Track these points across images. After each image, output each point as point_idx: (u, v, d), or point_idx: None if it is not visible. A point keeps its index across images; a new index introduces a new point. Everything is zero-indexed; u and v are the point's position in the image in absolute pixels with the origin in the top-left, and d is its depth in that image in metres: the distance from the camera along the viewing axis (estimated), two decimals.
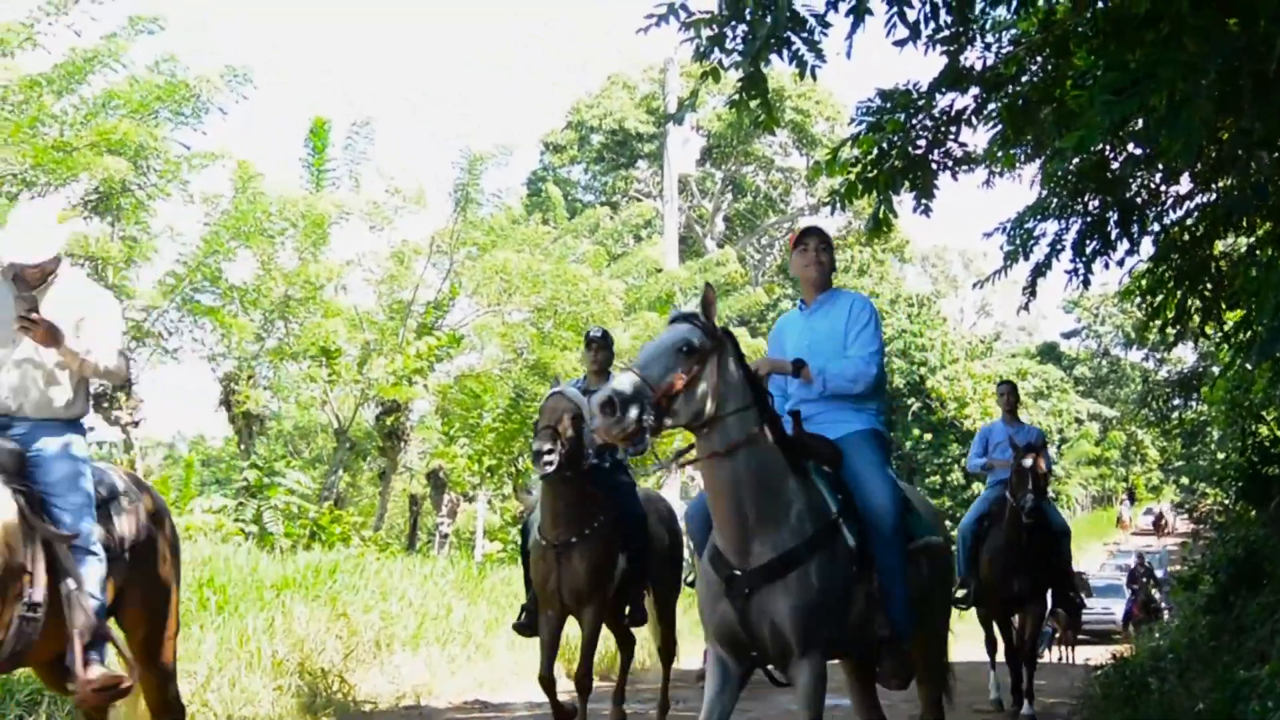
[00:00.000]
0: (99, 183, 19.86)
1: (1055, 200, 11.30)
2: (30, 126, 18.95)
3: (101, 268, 20.92)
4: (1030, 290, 11.74)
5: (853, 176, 10.93)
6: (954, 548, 13.27)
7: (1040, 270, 11.28)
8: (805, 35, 8.73)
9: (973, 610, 14.65)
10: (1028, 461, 13.20)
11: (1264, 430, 16.50)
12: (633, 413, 6.45)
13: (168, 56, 21.14)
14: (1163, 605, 32.69)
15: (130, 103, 20.26)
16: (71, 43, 19.98)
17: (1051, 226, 11.36)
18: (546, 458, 10.55)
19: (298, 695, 13.58)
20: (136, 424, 22.50)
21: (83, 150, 19.17)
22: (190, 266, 22.85)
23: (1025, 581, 13.59)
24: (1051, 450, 69.54)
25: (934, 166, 10.89)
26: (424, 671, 15.95)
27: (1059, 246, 11.16)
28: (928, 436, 61.73)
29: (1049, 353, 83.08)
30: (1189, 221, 12.22)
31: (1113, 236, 11.05)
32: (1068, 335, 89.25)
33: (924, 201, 11.03)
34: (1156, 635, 18.44)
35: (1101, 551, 61.89)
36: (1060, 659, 32.16)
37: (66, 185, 19.88)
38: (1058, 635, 32.61)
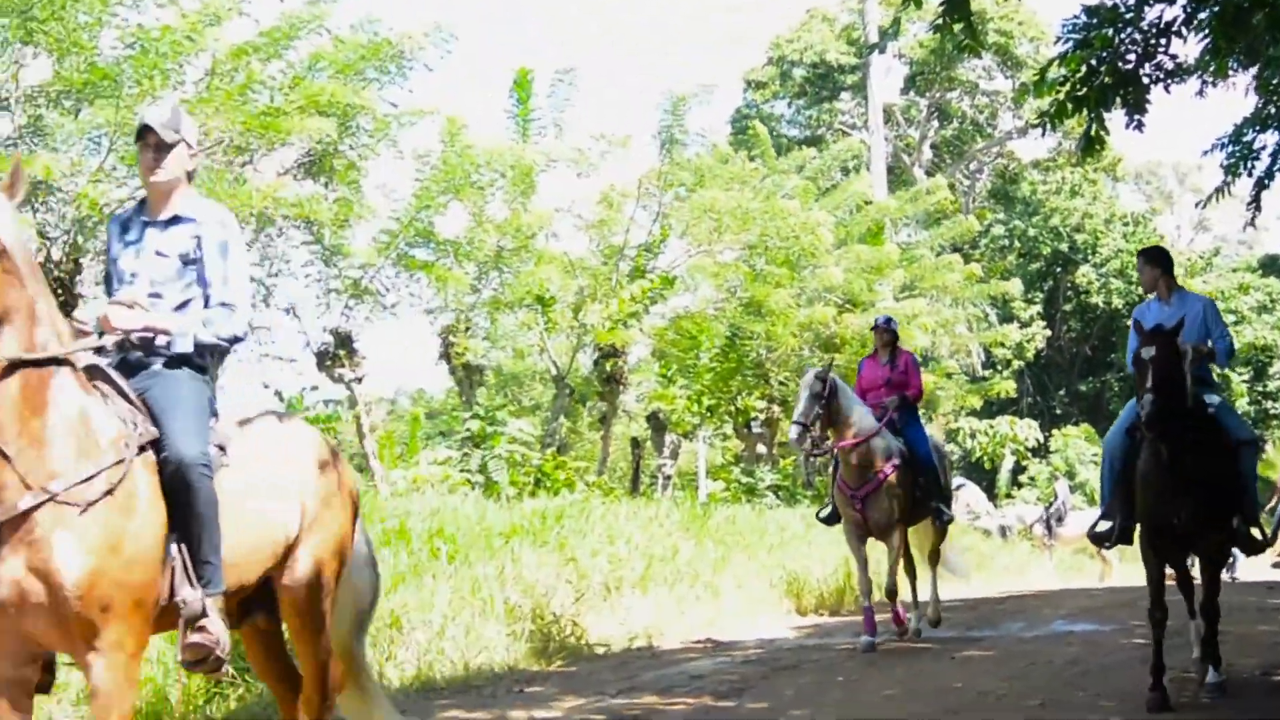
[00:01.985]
0: (310, 145, 20.17)
1: (1274, 109, 11.01)
2: (240, 94, 19.27)
3: (317, 229, 21.28)
4: (1255, 205, 11.44)
5: (1062, 96, 10.77)
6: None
7: (1263, 184, 11.00)
8: None
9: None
10: (1148, 351, 9.86)
11: None
12: None
13: (371, 18, 21.32)
14: None
15: (336, 64, 20.50)
16: (277, 9, 20.28)
17: (1271, 138, 11.07)
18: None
19: (531, 641, 13.77)
20: (360, 380, 22.90)
21: (292, 114, 19.47)
22: (403, 223, 23.16)
23: (1186, 510, 10.00)
24: (1278, 365, 67.39)
25: (1145, 81, 10.69)
26: (653, 612, 16.07)
27: None
28: None
29: (1271, 265, 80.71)
30: None
31: None
32: None
33: (1136, 117, 10.83)
34: None
35: None
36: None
37: (276, 150, 20.22)
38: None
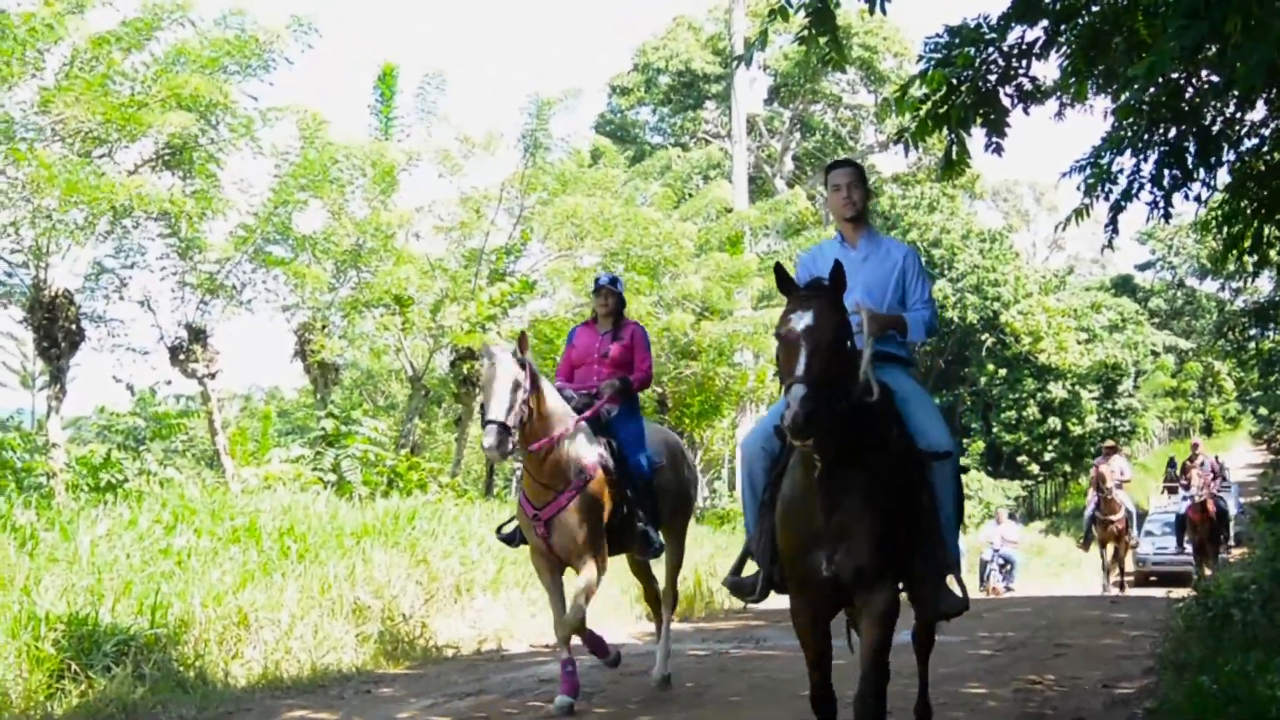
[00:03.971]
0: (169, 138, 19.96)
1: (1130, 132, 11.17)
2: (100, 84, 19.04)
3: (174, 222, 21.05)
4: (1112, 228, 11.57)
5: (923, 114, 10.88)
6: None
7: (1120, 207, 11.13)
8: None
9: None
10: (800, 318, 6.65)
11: None
12: None
13: (235, 10, 21.12)
14: (1233, 535, 30.60)
15: (199, 58, 20.30)
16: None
17: (1128, 161, 11.22)
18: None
19: (380, 641, 13.72)
20: (213, 376, 22.67)
21: (153, 106, 19.27)
22: (261, 218, 22.94)
23: (840, 556, 7.02)
24: (1126, 383, 69.04)
25: (1005, 102, 10.82)
26: (504, 615, 16.09)
27: (1137, 181, 11.01)
28: (1002, 372, 61.37)
29: (1123, 285, 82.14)
30: (1264, 150, 12.07)
31: (1190, 166, 10.89)
32: (1142, 267, 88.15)
33: (995, 140, 10.95)
34: (1237, 567, 18.25)
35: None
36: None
37: (137, 141, 19.99)
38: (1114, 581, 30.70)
